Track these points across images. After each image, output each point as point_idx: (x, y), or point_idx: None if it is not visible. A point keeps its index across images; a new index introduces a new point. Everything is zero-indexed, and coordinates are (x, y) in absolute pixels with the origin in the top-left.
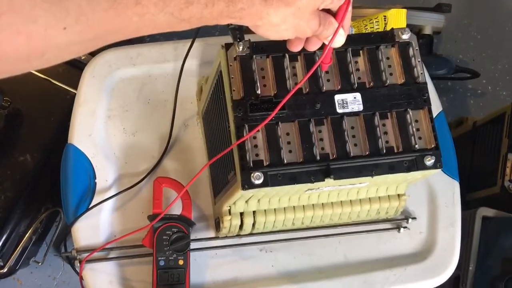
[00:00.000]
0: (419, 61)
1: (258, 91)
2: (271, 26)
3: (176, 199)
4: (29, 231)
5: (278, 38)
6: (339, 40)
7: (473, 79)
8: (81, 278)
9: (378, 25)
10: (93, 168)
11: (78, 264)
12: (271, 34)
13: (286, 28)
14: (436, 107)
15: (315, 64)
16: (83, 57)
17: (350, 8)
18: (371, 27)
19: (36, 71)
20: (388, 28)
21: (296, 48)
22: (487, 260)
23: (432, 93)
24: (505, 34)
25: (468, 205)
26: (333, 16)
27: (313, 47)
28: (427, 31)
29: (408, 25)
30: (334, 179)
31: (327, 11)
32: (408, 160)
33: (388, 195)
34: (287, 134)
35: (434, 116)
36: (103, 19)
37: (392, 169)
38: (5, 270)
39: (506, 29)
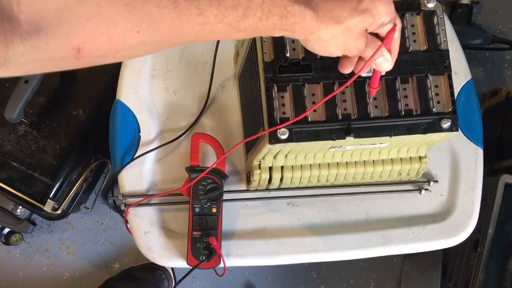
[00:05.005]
0: (442, 29)
1: (287, 54)
2: (320, 41)
3: (213, 164)
4: (81, 179)
5: (326, 53)
6: (385, 66)
7: (511, 50)
8: (126, 221)
9: None
10: (138, 123)
11: (123, 207)
12: (320, 49)
13: (335, 45)
14: (465, 75)
15: (355, 74)
16: None
17: (398, 35)
18: None
19: None
20: None
21: (346, 70)
22: (506, 225)
23: (463, 62)
24: None
25: (494, 174)
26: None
27: (361, 70)
28: (465, 0)
29: None
30: (354, 137)
31: (376, 36)
32: (426, 122)
33: (410, 157)
34: (313, 94)
35: (463, 84)
36: (170, 26)
37: (410, 130)
38: (59, 212)
39: None
